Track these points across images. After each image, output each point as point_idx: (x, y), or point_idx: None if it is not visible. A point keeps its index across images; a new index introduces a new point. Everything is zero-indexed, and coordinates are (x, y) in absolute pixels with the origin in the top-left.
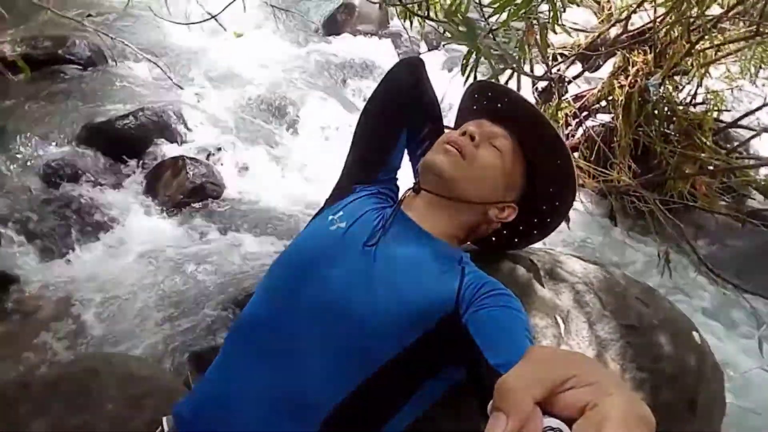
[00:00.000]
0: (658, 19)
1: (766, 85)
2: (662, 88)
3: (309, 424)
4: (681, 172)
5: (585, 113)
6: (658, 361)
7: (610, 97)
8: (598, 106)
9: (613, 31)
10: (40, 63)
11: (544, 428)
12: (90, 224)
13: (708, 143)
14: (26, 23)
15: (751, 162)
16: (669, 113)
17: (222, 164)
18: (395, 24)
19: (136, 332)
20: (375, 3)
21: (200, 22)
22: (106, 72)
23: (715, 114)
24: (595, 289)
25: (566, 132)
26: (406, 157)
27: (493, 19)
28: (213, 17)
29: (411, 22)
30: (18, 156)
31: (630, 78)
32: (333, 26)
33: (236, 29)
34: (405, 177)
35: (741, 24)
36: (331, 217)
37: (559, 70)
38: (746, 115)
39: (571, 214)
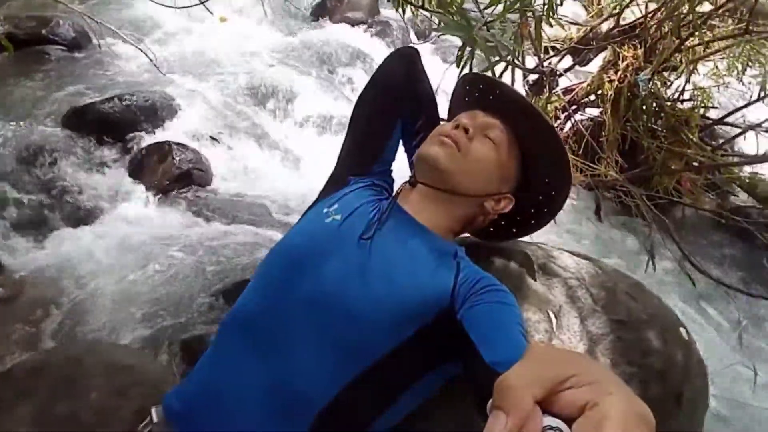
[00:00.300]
0: (649, 15)
1: (752, 83)
2: (651, 83)
3: (303, 416)
4: (667, 167)
5: (574, 107)
6: (647, 356)
7: (600, 92)
8: (587, 100)
9: (605, 26)
10: (23, 43)
11: (543, 427)
12: (74, 209)
13: (694, 140)
14: (9, 1)
15: (736, 159)
16: (657, 109)
17: (208, 150)
18: (385, 13)
19: (121, 321)
20: None
21: (188, 7)
22: (91, 54)
23: (701, 111)
24: (587, 284)
25: (555, 125)
26: (399, 150)
27: (488, 11)
28: (201, 2)
29: (403, 11)
30: None
31: (620, 73)
32: (322, 13)
33: (222, 14)
34: (398, 169)
35: (730, 21)
36: (326, 210)
37: (550, 63)
38: (732, 112)
39: None
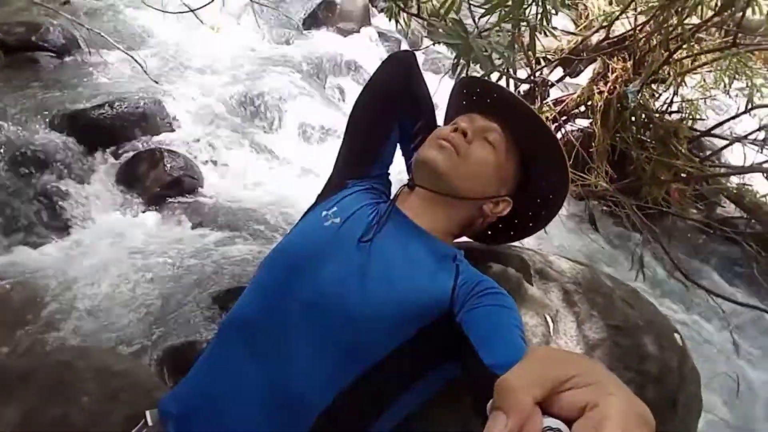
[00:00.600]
0: (638, 27)
1: (739, 95)
2: (640, 95)
3: (303, 419)
4: (656, 178)
5: (564, 117)
6: (644, 362)
7: (589, 103)
8: (577, 111)
9: (595, 38)
10: (13, 49)
11: (543, 428)
12: (63, 215)
13: (683, 151)
14: None
15: (723, 170)
16: (646, 120)
17: (199, 158)
18: (376, 23)
19: (111, 326)
20: None
21: (179, 12)
22: (81, 61)
23: (690, 123)
24: (584, 290)
25: None
26: (397, 153)
27: (482, 21)
28: (192, 11)
29: (396, 21)
30: None
31: (609, 84)
32: (314, 23)
33: (215, 24)
34: (395, 172)
35: (717, 35)
36: (324, 213)
37: (542, 73)
38: (719, 124)
39: None
